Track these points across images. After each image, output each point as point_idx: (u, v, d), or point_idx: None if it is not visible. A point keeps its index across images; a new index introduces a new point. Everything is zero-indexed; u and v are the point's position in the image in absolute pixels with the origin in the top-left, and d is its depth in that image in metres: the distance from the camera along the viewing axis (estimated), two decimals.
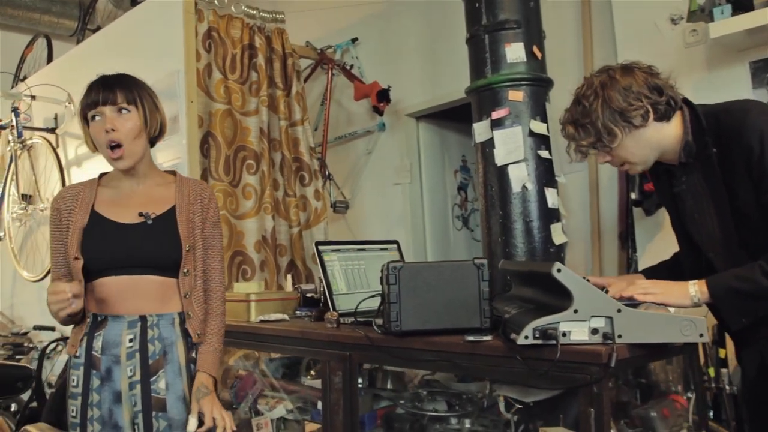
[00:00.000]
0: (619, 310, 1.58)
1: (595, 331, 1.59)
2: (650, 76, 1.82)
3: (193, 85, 3.32)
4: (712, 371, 2.62)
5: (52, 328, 4.14)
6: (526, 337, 1.59)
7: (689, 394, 1.98)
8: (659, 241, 2.98)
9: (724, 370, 2.60)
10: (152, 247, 1.97)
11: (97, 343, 1.94)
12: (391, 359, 2.00)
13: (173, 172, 2.15)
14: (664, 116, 1.81)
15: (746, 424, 2.02)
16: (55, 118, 4.23)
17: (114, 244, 1.95)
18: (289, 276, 2.92)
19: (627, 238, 3.16)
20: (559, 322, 1.59)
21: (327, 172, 4.25)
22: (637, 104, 1.78)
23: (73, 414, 1.95)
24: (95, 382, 1.94)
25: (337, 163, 4.47)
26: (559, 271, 1.60)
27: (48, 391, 3.71)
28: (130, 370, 1.94)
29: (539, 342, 1.59)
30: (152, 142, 2.07)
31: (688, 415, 1.91)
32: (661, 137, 1.83)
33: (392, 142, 4.36)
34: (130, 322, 1.95)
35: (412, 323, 1.89)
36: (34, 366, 3.84)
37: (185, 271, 1.98)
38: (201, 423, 1.92)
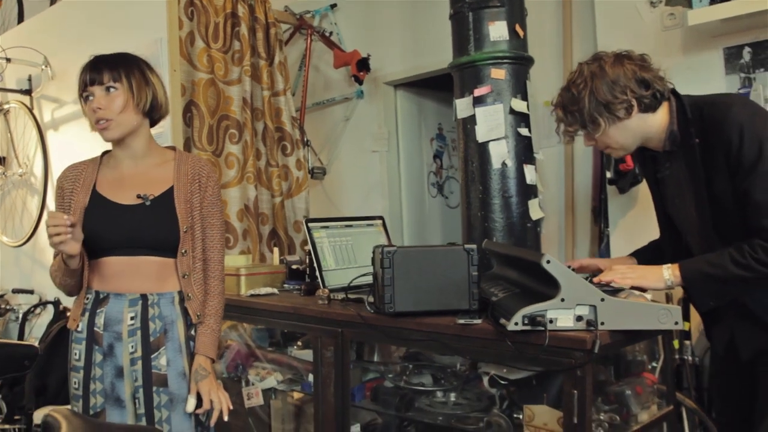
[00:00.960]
0: (602, 299, 1.70)
1: (579, 318, 1.71)
2: (640, 69, 1.89)
3: (175, 53, 3.31)
4: (676, 343, 2.79)
5: (31, 291, 4.16)
6: (516, 324, 1.71)
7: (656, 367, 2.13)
8: (631, 217, 3.11)
9: (687, 342, 2.77)
10: (150, 229, 2.02)
11: (99, 320, 2.01)
12: (382, 338, 2.10)
13: (173, 148, 2.18)
14: (649, 108, 1.90)
15: (714, 399, 2.18)
16: (29, 80, 4.17)
17: (114, 225, 2.00)
18: (276, 249, 2.99)
19: (600, 213, 3.28)
20: (547, 310, 1.70)
21: (305, 138, 4.28)
22: (621, 98, 1.86)
23: (75, 386, 2.03)
24: (97, 357, 2.01)
25: (314, 129, 4.49)
26: (548, 262, 1.70)
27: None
28: (132, 347, 2.01)
29: (528, 328, 1.70)
30: (153, 122, 2.11)
31: (659, 392, 2.05)
32: (645, 127, 1.92)
33: (370, 110, 4.40)
34: (131, 300, 2.02)
35: (404, 305, 1.99)
36: (15, 328, 3.88)
37: (183, 251, 2.03)
38: (200, 404, 2.00)
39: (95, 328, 2.01)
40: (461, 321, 1.88)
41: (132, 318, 2.01)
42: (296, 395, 2.55)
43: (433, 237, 4.59)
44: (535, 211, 2.93)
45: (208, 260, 2.10)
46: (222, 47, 3.51)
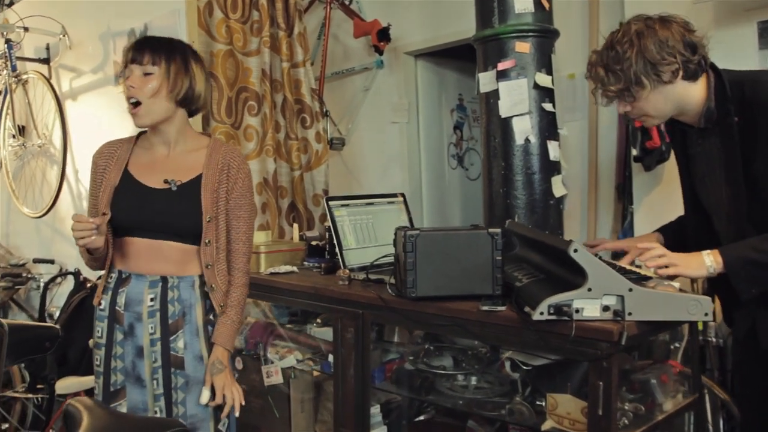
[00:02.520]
0: (630, 290, 1.66)
1: (606, 309, 1.67)
2: (687, 32, 1.81)
3: (194, 24, 3.25)
4: (700, 324, 2.75)
5: (52, 261, 4.19)
6: (542, 314, 1.67)
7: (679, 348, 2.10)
8: (656, 195, 3.05)
9: (711, 323, 2.72)
10: (173, 214, 2.01)
11: (121, 299, 2.03)
12: (404, 321, 2.08)
13: (209, 135, 2.16)
14: (692, 75, 1.82)
15: (736, 385, 2.14)
16: (47, 49, 4.14)
17: (139, 206, 2.00)
18: (295, 225, 2.96)
19: (624, 191, 3.22)
20: (573, 300, 1.67)
21: (324, 109, 4.23)
22: (670, 59, 1.78)
23: (98, 363, 2.06)
24: (118, 335, 2.03)
25: (333, 99, 4.44)
26: (575, 251, 1.66)
27: (49, 323, 3.79)
28: (152, 328, 2.02)
29: (553, 318, 1.67)
30: (190, 113, 2.10)
31: (682, 380, 2.02)
32: (685, 95, 1.84)
33: (390, 80, 4.33)
34: (152, 282, 2.02)
35: (426, 289, 1.96)
36: (36, 297, 3.91)
37: (207, 241, 2.02)
38: (213, 396, 2.02)
39: (117, 307, 2.03)
40: (485, 307, 1.86)
41: (152, 299, 2.02)
42: (316, 374, 2.55)
43: (452, 209, 4.55)
44: (558, 188, 2.88)
45: (234, 252, 2.09)
46: (241, 17, 3.44)
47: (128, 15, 3.55)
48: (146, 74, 1.96)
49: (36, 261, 4.26)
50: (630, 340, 1.64)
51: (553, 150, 2.87)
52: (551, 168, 2.86)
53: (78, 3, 3.85)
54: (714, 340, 2.71)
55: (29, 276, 4.30)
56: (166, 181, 2.02)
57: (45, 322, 3.79)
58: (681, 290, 1.80)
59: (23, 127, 4.14)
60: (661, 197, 3.00)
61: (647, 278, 1.82)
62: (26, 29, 3.91)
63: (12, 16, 4.01)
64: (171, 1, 3.31)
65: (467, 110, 4.67)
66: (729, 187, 1.86)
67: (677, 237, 2.13)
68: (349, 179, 4.51)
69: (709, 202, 1.97)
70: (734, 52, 2.76)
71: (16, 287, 4.35)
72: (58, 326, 2.04)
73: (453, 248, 1.97)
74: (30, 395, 3.65)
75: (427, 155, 4.39)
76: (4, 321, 1.75)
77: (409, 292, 1.95)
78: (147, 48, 1.98)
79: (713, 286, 2.05)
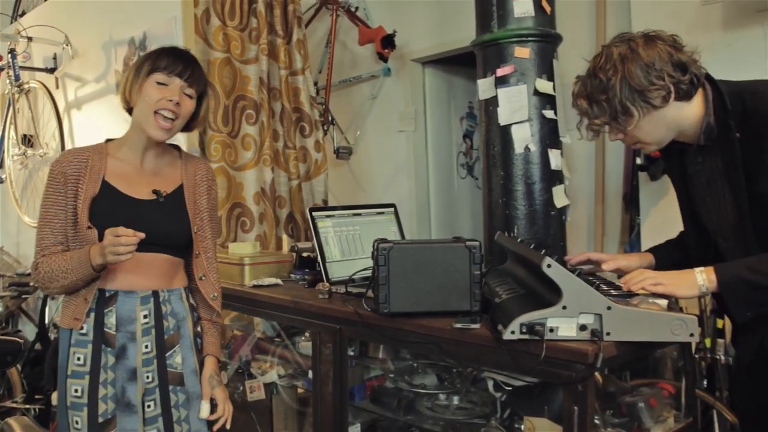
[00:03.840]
0: (609, 308, 1.55)
1: (583, 328, 1.56)
2: (675, 50, 1.66)
3: (190, 31, 3.22)
4: (708, 341, 2.61)
5: None
6: (513, 332, 1.57)
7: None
8: (663, 205, 2.92)
9: (720, 341, 2.58)
10: (164, 226, 1.95)
11: (110, 320, 1.90)
12: (379, 338, 1.99)
13: (176, 147, 2.09)
14: (685, 95, 1.68)
15: (741, 408, 2.00)
16: (54, 58, 4.14)
17: (127, 219, 1.86)
18: (285, 236, 2.89)
19: (631, 201, 3.10)
20: (546, 318, 1.56)
21: (330, 117, 4.17)
22: (659, 83, 1.64)
23: (78, 394, 1.88)
24: (109, 359, 1.89)
25: (340, 108, 4.38)
26: (549, 266, 1.56)
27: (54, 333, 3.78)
28: (146, 347, 1.93)
29: (526, 337, 1.57)
30: (185, 129, 2.05)
31: (675, 404, 1.89)
32: (680, 117, 1.71)
33: (397, 88, 4.26)
34: (143, 297, 1.93)
35: (400, 305, 1.86)
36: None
37: (196, 253, 2.00)
38: (213, 409, 1.99)
39: (105, 329, 1.89)
40: (458, 325, 1.75)
41: (145, 316, 1.93)
42: (300, 390, 2.47)
43: (462, 219, 4.45)
44: (559, 199, 2.78)
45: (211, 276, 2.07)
46: (238, 25, 3.40)
47: (128, 23, 3.53)
48: (186, 94, 1.91)
49: None
50: (607, 362, 1.52)
51: (555, 159, 2.77)
52: (552, 177, 2.76)
53: (81, 12, 3.86)
54: (723, 358, 2.57)
55: (36, 285, 4.30)
56: (154, 192, 1.95)
57: (47, 333, 3.78)
58: (670, 308, 1.68)
59: (29, 136, 4.14)
60: (669, 208, 2.85)
61: (633, 295, 1.70)
62: (30, 39, 3.91)
63: (16, 26, 4.03)
64: (169, 8, 3.26)
65: (477, 118, 4.56)
66: (733, 206, 1.72)
67: (676, 257, 1.99)
68: (356, 188, 4.44)
69: (711, 222, 1.83)
70: (743, 54, 2.64)
71: (23, 296, 4.34)
72: (21, 340, 1.96)
73: (429, 262, 1.87)
74: (28, 405, 3.63)
75: (435, 164, 4.30)
76: None
77: (382, 308, 1.86)
78: (197, 71, 1.94)
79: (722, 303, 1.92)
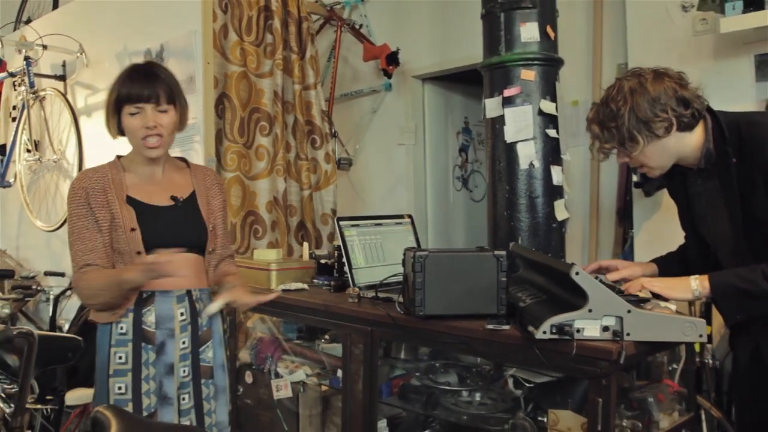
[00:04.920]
0: (629, 311, 1.75)
1: (606, 329, 1.75)
2: (680, 87, 1.87)
3: (209, 46, 3.36)
4: (697, 346, 2.82)
5: (62, 274, 4.26)
6: (545, 333, 1.76)
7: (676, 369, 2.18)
8: (656, 220, 3.13)
9: (708, 345, 2.80)
10: (186, 227, 2.13)
11: (149, 318, 2.05)
12: (412, 339, 2.16)
13: (183, 159, 2.28)
14: (687, 127, 1.88)
15: (735, 409, 2.20)
16: (64, 65, 4.24)
17: (153, 225, 2.06)
18: (305, 244, 3.05)
19: (624, 215, 3.31)
20: (574, 320, 1.75)
21: (333, 129, 4.33)
22: (663, 116, 1.84)
23: (122, 391, 2.02)
24: (150, 356, 2.04)
25: (342, 120, 4.54)
26: (577, 274, 1.75)
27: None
28: (183, 343, 2.09)
29: (555, 337, 1.75)
30: None
31: (679, 399, 2.10)
32: (681, 146, 1.91)
33: (398, 103, 4.44)
34: (179, 296, 2.10)
35: (434, 308, 2.04)
36: (45, 309, 3.98)
37: (210, 250, 2.16)
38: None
39: (145, 327, 2.04)
40: (490, 326, 1.94)
41: (182, 314, 2.09)
42: (324, 389, 2.62)
43: (457, 230, 4.63)
44: (560, 212, 2.96)
45: (227, 255, 2.26)
46: (255, 40, 3.56)
47: (145, 35, 3.66)
48: (161, 111, 2.04)
49: (47, 274, 4.34)
50: (628, 359, 1.71)
51: (557, 175, 2.96)
52: (554, 192, 2.94)
53: (96, 22, 3.96)
54: (710, 361, 2.79)
55: (39, 288, 4.37)
56: (172, 198, 2.12)
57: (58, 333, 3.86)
58: (678, 312, 1.88)
59: (38, 142, 4.23)
60: (661, 222, 3.09)
61: (645, 300, 1.90)
62: (45, 47, 4.01)
63: (31, 34, 4.12)
64: (188, 22, 3.40)
65: (472, 133, 4.78)
66: (730, 223, 1.92)
67: (676, 267, 2.20)
68: (356, 199, 4.60)
69: (711, 237, 2.04)
70: (732, 83, 2.86)
71: (26, 299, 4.42)
72: (80, 338, 2.10)
73: (460, 269, 2.05)
74: (39, 406, 3.71)
75: (432, 177, 4.48)
76: (33, 330, 1.82)
77: (418, 311, 2.03)
78: (158, 85, 2.03)
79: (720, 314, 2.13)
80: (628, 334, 1.74)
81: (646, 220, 3.19)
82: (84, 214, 2.03)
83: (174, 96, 2.07)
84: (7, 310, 4.21)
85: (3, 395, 2.12)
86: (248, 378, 2.77)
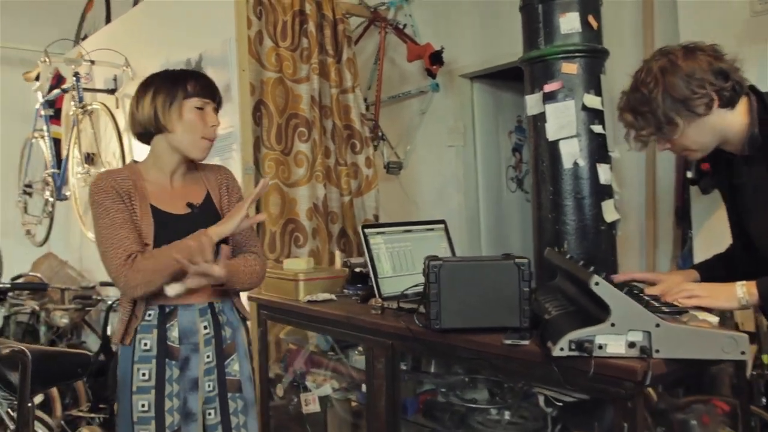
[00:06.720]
0: (657, 325, 1.56)
1: (632, 345, 1.57)
2: (714, 59, 1.70)
3: (244, 53, 3.32)
4: (765, 357, 2.57)
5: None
6: (562, 349, 1.60)
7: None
8: (716, 219, 2.89)
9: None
10: None
11: (172, 333, 1.98)
12: (430, 353, 2.03)
13: (193, 162, 2.18)
14: (729, 103, 1.71)
15: None
16: (114, 80, 4.31)
17: (174, 236, 1.97)
18: (337, 252, 2.96)
19: (683, 215, 3.08)
20: (595, 335, 1.58)
21: (380, 133, 4.24)
22: (701, 92, 1.68)
23: (145, 408, 1.95)
24: (174, 372, 1.98)
25: (390, 123, 4.45)
26: (597, 284, 1.58)
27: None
28: (207, 357, 2.03)
29: (575, 354, 1.59)
30: None
31: (730, 421, 1.89)
32: (725, 125, 1.74)
33: (446, 103, 4.31)
34: (201, 309, 2.03)
35: (451, 321, 1.90)
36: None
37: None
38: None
39: (169, 343, 1.98)
40: (508, 341, 1.78)
41: (205, 327, 2.03)
42: (354, 404, 2.52)
43: (512, 233, 4.47)
44: (609, 213, 2.78)
45: (251, 254, 2.15)
46: (290, 45, 3.50)
47: (185, 45, 3.66)
48: (216, 114, 2.07)
49: (103, 284, 4.42)
50: (657, 379, 1.54)
51: (604, 173, 2.78)
52: (602, 192, 2.77)
53: (139, 35, 4.00)
54: None
55: (99, 298, 4.45)
56: (189, 205, 2.05)
57: (109, 345, 3.91)
58: (720, 325, 1.68)
59: (92, 155, 4.31)
60: (721, 222, 2.78)
61: (683, 311, 1.71)
62: (92, 62, 4.08)
63: (79, 50, 4.21)
64: (223, 31, 3.37)
65: (526, 132, 4.58)
66: None
67: (724, 275, 1.99)
68: (407, 203, 4.50)
69: (758, 234, 1.83)
70: None
71: (87, 309, 4.51)
72: (90, 353, 2.07)
73: (479, 279, 1.90)
74: (93, 414, 3.77)
75: (484, 178, 4.34)
76: (26, 348, 1.79)
77: (433, 324, 1.90)
78: (216, 92, 2.08)
79: None
80: (657, 351, 1.56)
81: (706, 220, 2.95)
82: (119, 208, 1.94)
83: (221, 104, 2.12)
84: (66, 320, 4.31)
85: (11, 413, 2.10)
86: (279, 391, 2.70)
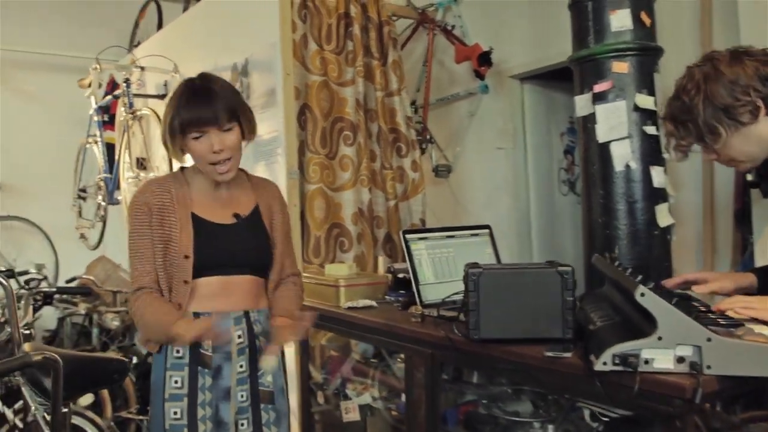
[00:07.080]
0: (708, 339, 1.46)
1: (681, 360, 1.48)
2: (763, 65, 1.62)
3: (289, 57, 3.29)
4: None
5: None
6: (605, 363, 1.51)
7: None
8: None
9: None
10: (248, 247, 2.03)
11: (205, 341, 1.95)
12: (469, 363, 1.96)
13: (243, 170, 2.14)
14: None
15: None
16: (165, 85, 4.35)
17: (216, 245, 1.98)
18: (381, 257, 2.91)
19: (743, 218, 2.93)
20: (641, 349, 1.49)
21: (429, 135, 4.18)
22: (744, 99, 1.60)
23: (177, 416, 1.94)
24: (207, 380, 1.96)
25: (438, 126, 4.38)
26: (642, 295, 1.49)
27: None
28: (241, 366, 2.01)
29: (619, 368, 1.50)
30: None
31: None
32: None
33: (495, 105, 4.22)
34: (236, 318, 2.01)
35: (491, 331, 1.82)
36: None
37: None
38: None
39: (202, 350, 1.96)
40: (549, 353, 1.70)
41: (239, 336, 2.01)
42: (394, 414, 2.47)
43: (565, 238, 4.35)
44: (663, 218, 2.67)
45: (291, 275, 2.15)
46: (335, 48, 3.47)
47: (232, 50, 3.67)
48: (225, 131, 1.93)
49: None
50: (708, 397, 1.44)
51: (657, 176, 2.68)
52: (655, 195, 2.67)
53: (188, 41, 4.04)
54: None
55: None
56: (235, 216, 2.02)
57: None
58: None
59: (142, 160, 4.36)
60: None
61: (738, 324, 1.60)
62: (142, 68, 4.14)
63: (129, 57, 4.27)
64: (268, 35, 3.36)
65: (577, 133, 4.46)
66: None
67: None
68: (456, 207, 4.42)
69: None
70: None
71: None
72: (126, 359, 2.07)
73: (520, 287, 1.82)
74: (141, 417, 3.81)
75: (535, 181, 4.24)
76: (59, 354, 1.80)
77: (472, 334, 1.83)
78: (218, 105, 1.91)
79: None
80: (708, 367, 1.46)
81: (767, 224, 2.79)
82: (145, 233, 1.96)
83: (236, 111, 1.96)
84: (117, 323, 4.38)
85: (46, 417, 2.11)
86: (320, 398, 2.66)
